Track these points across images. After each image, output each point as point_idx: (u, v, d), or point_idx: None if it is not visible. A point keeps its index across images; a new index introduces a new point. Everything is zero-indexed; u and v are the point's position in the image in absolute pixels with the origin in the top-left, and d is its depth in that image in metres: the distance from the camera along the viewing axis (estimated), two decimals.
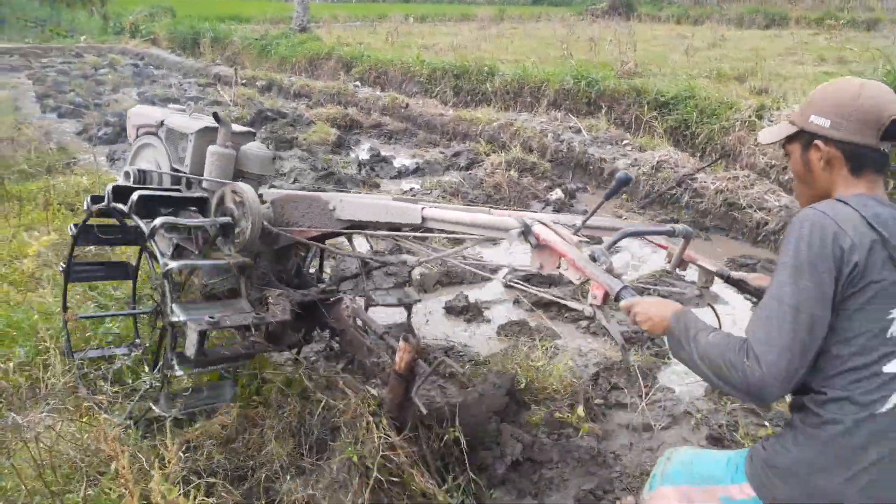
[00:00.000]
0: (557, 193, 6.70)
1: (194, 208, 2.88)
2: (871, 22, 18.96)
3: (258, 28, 20.62)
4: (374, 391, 2.59)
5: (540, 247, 2.11)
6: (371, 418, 2.41)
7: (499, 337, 4.20)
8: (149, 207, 2.65)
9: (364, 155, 8.94)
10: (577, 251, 1.99)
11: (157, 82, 14.95)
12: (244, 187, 2.76)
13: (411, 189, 7.20)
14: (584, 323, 4.35)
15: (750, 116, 7.58)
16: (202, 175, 2.99)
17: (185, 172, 3.10)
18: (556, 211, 6.44)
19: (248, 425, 2.64)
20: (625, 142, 7.85)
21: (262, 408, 2.72)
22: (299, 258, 3.22)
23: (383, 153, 8.90)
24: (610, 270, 1.89)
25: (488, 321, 4.43)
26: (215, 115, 3.03)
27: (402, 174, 8.02)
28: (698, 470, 1.74)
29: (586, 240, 2.21)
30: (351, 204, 2.74)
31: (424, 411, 2.41)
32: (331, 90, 12.65)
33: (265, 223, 2.76)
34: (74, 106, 11.61)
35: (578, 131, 8.25)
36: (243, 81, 13.93)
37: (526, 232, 2.15)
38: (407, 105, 10.87)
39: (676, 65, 11.45)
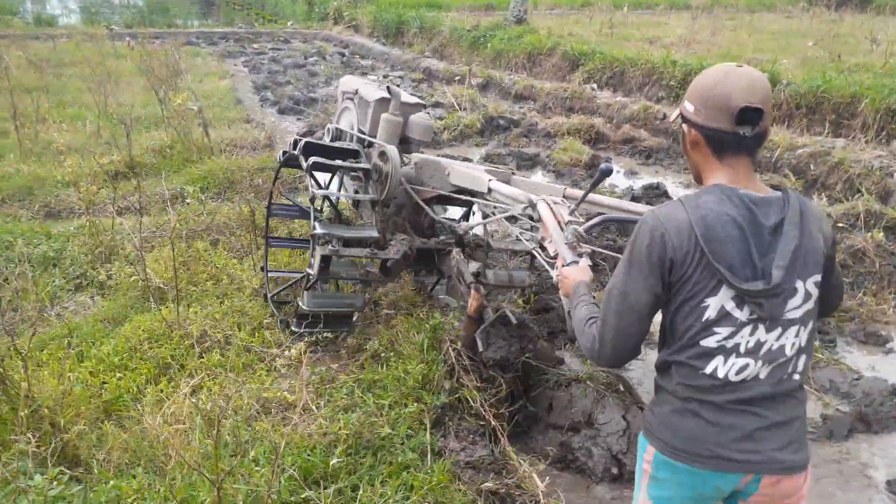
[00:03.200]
0: None
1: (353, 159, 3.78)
2: None
3: (457, 16, 19.57)
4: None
5: (540, 221, 2.52)
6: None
7: None
8: (315, 152, 3.59)
9: (630, 183, 7.32)
10: (557, 228, 2.32)
11: (368, 75, 14.25)
12: (390, 148, 3.62)
13: None
14: None
15: None
16: (376, 136, 3.86)
17: (366, 133, 3.96)
18: None
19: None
20: None
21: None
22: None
23: (649, 180, 7.25)
24: (573, 247, 2.16)
25: None
26: (388, 88, 3.90)
27: None
28: None
29: (581, 220, 2.42)
30: (455, 170, 3.47)
31: (482, 348, 3.13)
32: (560, 93, 11.11)
33: (402, 179, 3.61)
34: (293, 102, 11.05)
35: None
36: (457, 78, 12.78)
37: (532, 207, 2.63)
38: (664, 116, 9.08)
39: None
